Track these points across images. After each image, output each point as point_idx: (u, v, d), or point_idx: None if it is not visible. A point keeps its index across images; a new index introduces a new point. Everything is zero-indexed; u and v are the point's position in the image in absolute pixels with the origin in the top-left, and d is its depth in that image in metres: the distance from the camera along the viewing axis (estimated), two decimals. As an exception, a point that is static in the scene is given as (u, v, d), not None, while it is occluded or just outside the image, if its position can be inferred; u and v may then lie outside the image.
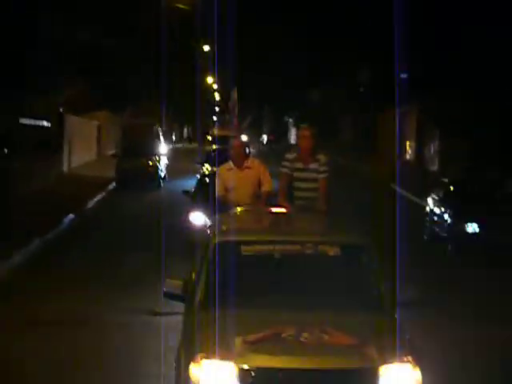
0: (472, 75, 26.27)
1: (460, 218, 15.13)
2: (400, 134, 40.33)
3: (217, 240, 6.52)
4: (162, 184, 26.53)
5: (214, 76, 70.47)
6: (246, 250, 6.44)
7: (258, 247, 6.48)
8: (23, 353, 8.46)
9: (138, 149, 26.28)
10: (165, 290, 6.58)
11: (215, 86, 77.66)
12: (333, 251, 6.49)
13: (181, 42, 43.71)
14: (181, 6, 35.81)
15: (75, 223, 18.37)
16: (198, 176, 17.82)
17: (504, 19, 23.72)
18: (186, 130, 76.03)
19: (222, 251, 6.31)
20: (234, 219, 7.83)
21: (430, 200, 17.16)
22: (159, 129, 30.69)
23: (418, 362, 5.40)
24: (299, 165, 9.35)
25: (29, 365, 8.07)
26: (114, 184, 26.34)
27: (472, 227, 14.82)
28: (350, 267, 6.50)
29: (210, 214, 11.53)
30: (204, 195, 13.42)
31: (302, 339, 5.48)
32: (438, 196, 16.88)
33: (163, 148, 28.65)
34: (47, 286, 11.61)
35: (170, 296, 6.57)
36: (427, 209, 17.16)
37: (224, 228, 7.03)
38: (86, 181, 26.84)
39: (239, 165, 10.33)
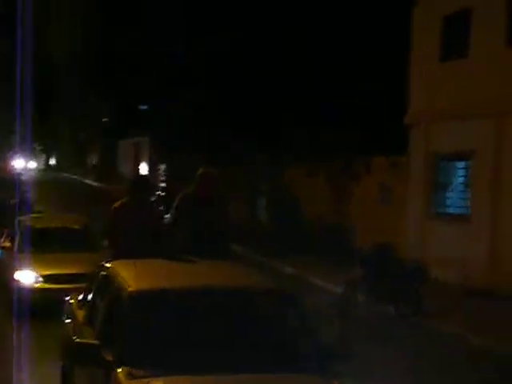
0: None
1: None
2: (137, 157, 48.76)
3: (134, 288, 5.78)
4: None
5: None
6: (167, 298, 5.85)
7: (180, 297, 5.87)
8: None
9: None
10: (78, 341, 5.72)
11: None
12: (258, 299, 6.15)
13: None
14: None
15: None
16: None
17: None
18: None
19: (141, 302, 5.71)
20: (138, 266, 6.66)
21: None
22: None
23: None
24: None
25: None
26: None
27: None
28: (276, 316, 6.15)
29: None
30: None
31: None
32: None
33: None
34: None
35: (85, 354, 5.46)
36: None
37: (136, 275, 6.23)
38: None
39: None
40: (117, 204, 8.76)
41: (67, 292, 10.46)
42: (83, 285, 9.27)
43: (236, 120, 25.41)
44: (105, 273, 6.85)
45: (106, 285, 6.59)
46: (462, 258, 16.22)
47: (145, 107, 45.18)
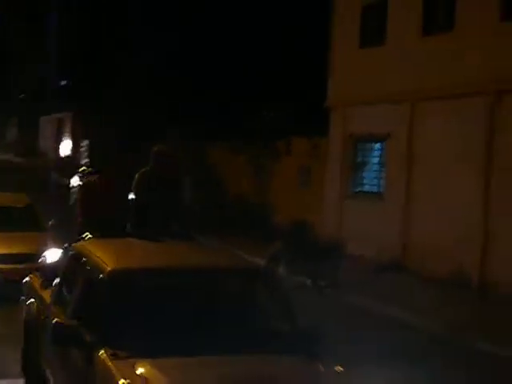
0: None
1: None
2: (59, 133, 48.37)
3: (112, 268, 5.65)
4: None
5: None
6: (145, 278, 5.77)
7: (160, 277, 5.82)
8: None
9: None
10: (57, 321, 5.53)
11: None
12: (238, 279, 6.14)
13: None
14: None
15: None
16: None
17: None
18: None
19: (120, 281, 5.60)
20: (111, 246, 6.57)
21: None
22: None
23: None
24: None
25: None
26: None
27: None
28: (257, 296, 6.18)
29: None
30: None
31: None
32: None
33: None
34: None
35: (64, 334, 5.32)
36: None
37: (112, 254, 6.10)
38: None
39: None
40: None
41: (15, 272, 10.80)
42: (31, 265, 9.62)
43: (163, 100, 25.89)
44: (75, 252, 6.71)
45: (78, 265, 6.43)
46: (376, 235, 17.18)
47: (65, 82, 44.93)
